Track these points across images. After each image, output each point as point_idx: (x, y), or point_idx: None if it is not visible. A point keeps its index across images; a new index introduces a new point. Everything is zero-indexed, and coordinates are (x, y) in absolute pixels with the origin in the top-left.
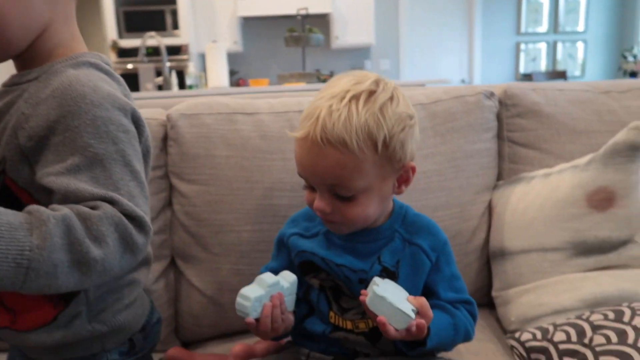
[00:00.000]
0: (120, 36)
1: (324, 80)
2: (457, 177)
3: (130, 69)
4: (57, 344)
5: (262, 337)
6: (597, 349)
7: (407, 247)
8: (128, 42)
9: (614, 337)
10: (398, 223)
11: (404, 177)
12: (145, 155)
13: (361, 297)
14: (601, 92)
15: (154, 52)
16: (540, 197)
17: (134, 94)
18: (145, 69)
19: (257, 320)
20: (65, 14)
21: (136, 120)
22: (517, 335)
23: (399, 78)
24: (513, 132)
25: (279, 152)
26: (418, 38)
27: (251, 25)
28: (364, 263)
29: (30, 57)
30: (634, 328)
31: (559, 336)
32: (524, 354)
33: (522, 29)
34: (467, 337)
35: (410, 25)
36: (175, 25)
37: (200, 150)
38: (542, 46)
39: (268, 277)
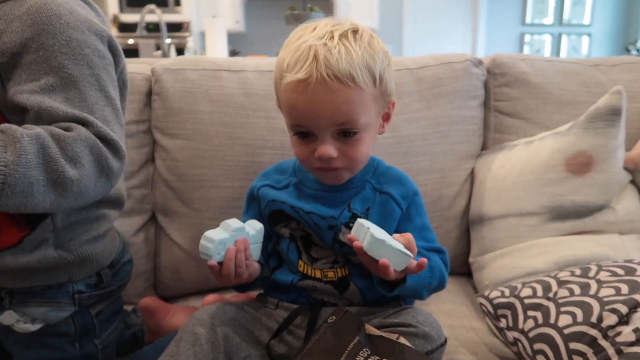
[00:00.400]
0: (122, 10)
1: None
2: (441, 142)
3: (130, 44)
4: (23, 268)
5: (225, 282)
6: (560, 301)
7: (378, 195)
8: (129, 17)
9: (577, 290)
10: (370, 174)
11: (387, 114)
12: (122, 89)
13: (355, 244)
14: (591, 65)
15: (155, 28)
16: (521, 163)
17: None
18: (145, 44)
19: (220, 264)
20: None
21: (113, 49)
22: (486, 293)
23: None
24: (500, 101)
25: (262, 110)
26: (422, 25)
27: (254, 5)
28: (333, 210)
29: None
30: (597, 281)
31: (526, 292)
32: (492, 310)
33: (528, 20)
34: (442, 281)
35: (415, 11)
36: (178, 2)
37: (184, 105)
38: (547, 38)
39: (233, 221)
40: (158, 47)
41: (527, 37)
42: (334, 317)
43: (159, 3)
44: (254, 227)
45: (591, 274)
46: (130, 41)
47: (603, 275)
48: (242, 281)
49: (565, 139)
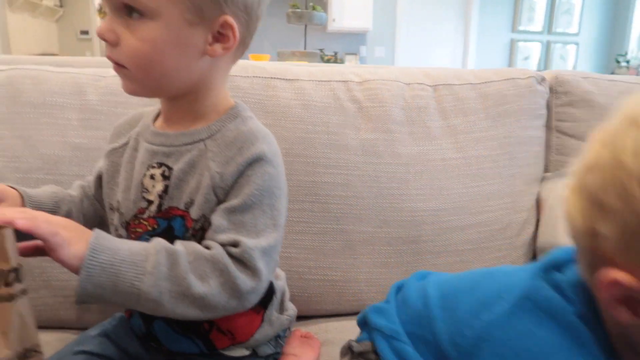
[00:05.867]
0: None
1: (328, 61)
2: (511, 164)
3: None
4: (269, 336)
5: None
6: None
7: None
8: None
9: None
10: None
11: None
12: None
13: None
14: None
15: None
16: None
17: None
18: None
19: None
20: (224, 75)
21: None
22: None
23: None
24: (563, 121)
25: (322, 124)
26: (414, 27)
27: None
28: None
29: (199, 114)
30: None
31: None
32: None
33: (518, 27)
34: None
35: (408, 14)
36: None
37: None
38: (536, 45)
39: None
40: None
41: (517, 44)
42: None
43: None
44: None
45: None
46: None
47: None
48: None
49: None
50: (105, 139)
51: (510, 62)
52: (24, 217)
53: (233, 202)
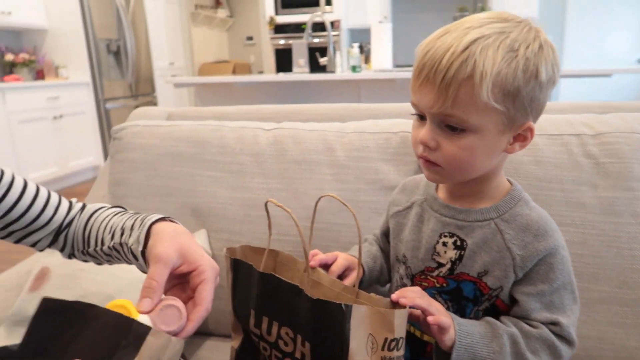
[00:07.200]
0: (277, 12)
1: None
2: None
3: (281, 45)
4: None
5: None
6: None
7: None
8: (283, 19)
9: None
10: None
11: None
12: None
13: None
14: None
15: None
16: None
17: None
18: (298, 45)
19: None
20: (503, 163)
21: None
22: None
23: (562, 57)
24: None
25: (557, 181)
26: (588, 10)
27: (402, 0)
28: None
29: (484, 193)
30: None
31: None
32: None
33: None
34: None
35: None
36: (328, 2)
37: None
38: None
39: None
40: (312, 49)
41: None
42: None
43: (311, 4)
44: None
45: None
46: (282, 42)
47: None
48: None
49: None
50: (351, 190)
51: None
52: (432, 312)
53: (541, 287)
